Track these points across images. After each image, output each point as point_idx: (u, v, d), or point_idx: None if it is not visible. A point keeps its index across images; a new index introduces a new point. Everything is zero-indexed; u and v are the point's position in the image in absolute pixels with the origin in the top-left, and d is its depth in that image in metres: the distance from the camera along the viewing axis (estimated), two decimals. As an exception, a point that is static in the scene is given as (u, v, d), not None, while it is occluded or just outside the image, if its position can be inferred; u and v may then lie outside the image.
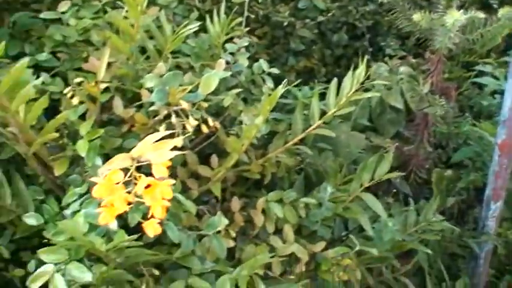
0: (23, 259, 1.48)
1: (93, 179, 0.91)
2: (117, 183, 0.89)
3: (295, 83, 1.59)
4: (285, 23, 2.07)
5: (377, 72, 1.96)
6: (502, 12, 1.71)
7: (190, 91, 1.23)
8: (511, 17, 1.72)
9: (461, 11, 1.62)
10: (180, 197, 1.16)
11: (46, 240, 1.12)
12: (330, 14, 2.18)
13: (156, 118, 1.20)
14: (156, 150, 0.91)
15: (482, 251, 1.74)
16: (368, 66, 2.08)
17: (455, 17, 1.58)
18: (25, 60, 1.06)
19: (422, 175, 1.90)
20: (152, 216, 0.93)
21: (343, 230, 1.55)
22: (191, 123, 1.17)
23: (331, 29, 2.27)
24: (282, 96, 1.67)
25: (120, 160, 0.90)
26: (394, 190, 1.81)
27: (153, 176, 0.90)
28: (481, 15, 1.68)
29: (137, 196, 0.92)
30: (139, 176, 0.90)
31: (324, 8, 2.21)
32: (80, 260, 1.04)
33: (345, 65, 2.27)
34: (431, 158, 1.96)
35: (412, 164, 1.89)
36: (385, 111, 1.99)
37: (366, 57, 2.25)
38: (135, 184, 0.90)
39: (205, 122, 1.21)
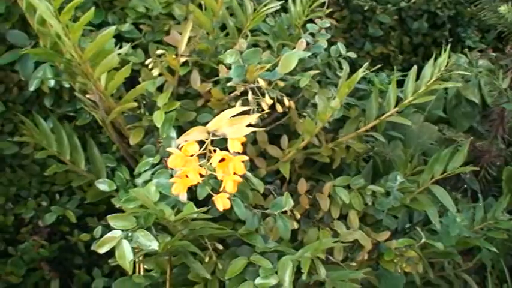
0: (88, 225, 1.55)
1: (168, 149, 0.94)
2: (192, 155, 0.92)
3: (372, 69, 1.57)
4: (365, 8, 2.04)
5: (456, 64, 1.91)
6: None
7: (268, 70, 1.24)
8: None
9: (552, 5, 1.56)
10: (249, 174, 1.18)
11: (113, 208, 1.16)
12: (411, 1, 2.13)
13: (232, 94, 1.21)
14: (232, 126, 0.93)
15: (547, 254, 1.69)
16: (448, 57, 2.05)
17: (545, 12, 1.52)
18: (111, 29, 1.09)
19: (493, 172, 1.85)
20: (222, 191, 0.95)
21: (407, 222, 1.54)
22: (267, 101, 1.18)
23: (412, 16, 2.23)
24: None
25: (197, 132, 0.93)
26: (464, 185, 1.76)
27: (227, 151, 0.92)
28: None
29: (209, 169, 0.94)
30: (214, 150, 0.92)
31: (406, -7, 2.16)
32: (148, 229, 1.07)
33: (423, 54, 2.23)
34: (504, 155, 1.91)
35: (483, 160, 1.85)
36: (460, 104, 1.95)
37: (448, 46, 2.21)
38: (210, 157, 0.92)
39: (281, 101, 1.21)
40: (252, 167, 1.31)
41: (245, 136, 1.29)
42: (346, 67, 1.27)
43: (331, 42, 1.56)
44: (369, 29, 2.11)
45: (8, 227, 1.63)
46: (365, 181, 1.37)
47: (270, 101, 1.18)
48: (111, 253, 1.15)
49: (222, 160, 0.92)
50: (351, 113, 1.44)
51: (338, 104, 1.18)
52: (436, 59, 1.33)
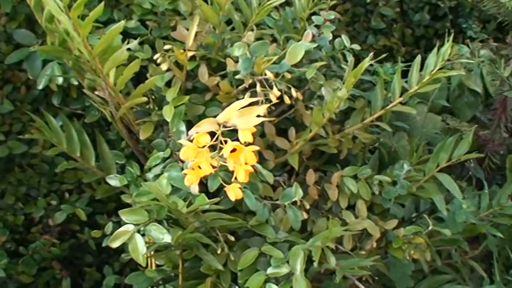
0: (98, 223, 1.56)
1: (180, 141, 0.96)
2: (204, 147, 0.93)
3: (376, 60, 1.58)
4: (368, 0, 2.05)
5: (458, 54, 1.93)
6: None
7: (275, 62, 1.25)
8: None
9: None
10: (258, 166, 1.19)
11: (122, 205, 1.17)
12: (413, -7, 2.15)
13: (240, 87, 1.23)
14: (242, 116, 0.94)
15: (552, 240, 1.70)
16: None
17: (546, 0, 1.53)
18: (120, 24, 1.10)
19: (496, 161, 1.87)
20: (234, 181, 0.97)
21: (414, 211, 1.55)
22: (275, 93, 1.19)
23: (413, 8, 2.24)
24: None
25: (207, 124, 0.94)
26: (468, 174, 1.78)
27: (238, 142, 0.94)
28: None
29: (221, 160, 0.95)
30: (225, 141, 0.93)
31: (408, -14, 2.18)
32: (160, 222, 1.08)
33: (425, 46, 2.24)
34: (507, 144, 1.92)
35: (487, 148, 1.86)
36: (463, 94, 1.96)
37: (450, 36, 2.22)
38: (221, 148, 0.94)
39: (288, 93, 1.23)
40: (261, 160, 1.33)
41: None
42: (351, 58, 1.28)
43: (334, 36, 1.58)
44: (371, 21, 2.12)
45: (19, 227, 1.65)
46: (372, 171, 1.39)
47: (278, 93, 1.20)
48: (121, 250, 1.17)
49: (233, 151, 0.94)
50: (356, 105, 1.46)
51: (345, 94, 1.19)
52: (439, 49, 1.34)
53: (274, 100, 1.18)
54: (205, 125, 0.94)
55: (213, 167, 0.95)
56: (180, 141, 0.96)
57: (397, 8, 2.17)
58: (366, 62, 1.17)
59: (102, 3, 1.05)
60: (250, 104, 0.99)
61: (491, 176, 1.91)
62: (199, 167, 0.93)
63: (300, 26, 1.48)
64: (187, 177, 0.95)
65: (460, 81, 1.91)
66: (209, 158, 0.93)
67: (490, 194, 1.58)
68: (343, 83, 1.23)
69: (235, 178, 0.95)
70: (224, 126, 0.96)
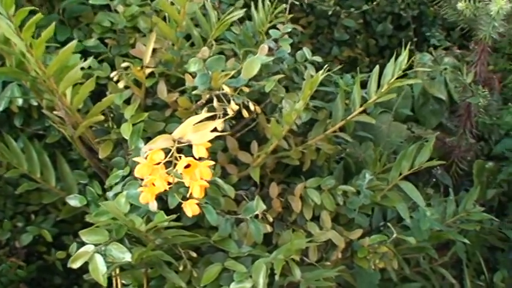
0: (65, 243, 1.54)
1: (135, 159, 0.95)
2: (158, 163, 0.93)
3: (335, 70, 1.59)
4: (330, 12, 2.07)
5: (420, 62, 1.95)
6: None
7: (233, 76, 1.25)
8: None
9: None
10: (220, 181, 1.19)
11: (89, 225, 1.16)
12: (374, 3, 2.17)
13: (199, 102, 1.23)
14: (197, 132, 0.94)
15: (521, 243, 1.72)
16: (412, 56, 2.09)
17: (500, 5, 1.56)
18: (73, 43, 1.10)
19: (464, 167, 1.89)
20: (191, 197, 0.96)
21: (381, 220, 1.56)
22: (233, 107, 1.19)
23: (376, 18, 2.27)
24: (324, 84, 1.69)
25: (162, 140, 0.94)
26: (434, 180, 1.79)
27: (193, 157, 0.93)
28: (527, 4, 1.65)
29: (176, 177, 0.95)
30: (180, 157, 0.93)
31: (369, -3, 2.20)
32: (120, 241, 1.07)
33: (389, 56, 2.25)
34: (473, 149, 1.94)
35: (453, 155, 1.88)
36: (428, 102, 1.98)
37: (410, 46, 2.24)
38: (176, 164, 0.93)
39: (247, 107, 1.23)
40: (224, 174, 1.33)
41: (215, 144, 1.32)
42: (309, 70, 1.29)
43: (299, 48, 1.59)
44: (335, 33, 2.14)
45: (-15, 250, 1.62)
46: (336, 182, 1.39)
47: (236, 107, 1.20)
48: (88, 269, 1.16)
49: (189, 166, 0.94)
50: (319, 116, 1.47)
51: (302, 106, 1.20)
52: (396, 59, 1.36)
53: (232, 115, 1.18)
54: (160, 142, 0.94)
55: (169, 183, 0.95)
56: (134, 159, 0.95)
57: (360, 19, 2.20)
58: (321, 75, 1.18)
59: (53, 24, 1.05)
60: (210, 119, 0.99)
61: (460, 182, 1.92)
62: (154, 184, 0.93)
63: (259, 39, 1.49)
64: (142, 195, 0.94)
65: (424, 89, 1.93)
66: (164, 175, 0.93)
67: (457, 200, 1.59)
68: (301, 94, 1.23)
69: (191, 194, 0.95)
70: (179, 142, 0.96)
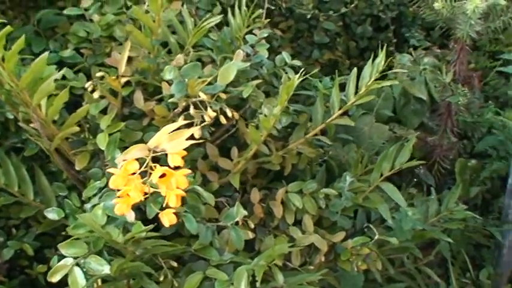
0: (47, 256, 1.53)
1: (109, 170, 0.94)
2: (133, 174, 0.92)
3: (314, 73, 1.59)
4: (309, 16, 2.07)
5: (400, 63, 1.95)
6: (525, -2, 1.69)
7: (210, 83, 1.25)
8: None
9: (481, -3, 1.60)
10: (199, 188, 1.18)
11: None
12: (353, 6, 2.17)
13: (176, 110, 1.22)
14: (172, 140, 0.93)
15: (505, 240, 1.72)
16: (392, 57, 2.09)
17: (476, 4, 1.56)
18: (45, 55, 1.09)
19: (446, 165, 1.89)
20: (168, 206, 0.95)
21: (365, 221, 1.55)
22: (210, 114, 1.19)
23: (356, 21, 2.27)
24: (305, 88, 1.69)
25: (137, 150, 0.93)
26: (416, 180, 1.79)
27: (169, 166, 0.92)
28: (502, 1, 1.66)
29: (153, 186, 0.94)
30: (155, 166, 0.92)
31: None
32: (100, 253, 1.06)
33: (370, 57, 2.26)
34: (456, 148, 1.94)
35: (435, 154, 1.88)
36: (409, 102, 1.98)
37: (390, 48, 2.25)
38: (151, 174, 0.92)
39: (224, 113, 1.22)
40: (205, 182, 1.32)
41: (195, 151, 1.32)
42: (285, 75, 1.29)
43: (279, 52, 1.59)
44: (315, 36, 2.14)
45: (-35, 266, 1.60)
46: (319, 185, 1.39)
47: (213, 114, 1.19)
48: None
49: (165, 175, 0.93)
50: (300, 120, 1.46)
51: (279, 111, 1.19)
52: (374, 61, 1.36)
53: (209, 121, 1.17)
54: (134, 152, 0.93)
55: (145, 194, 0.94)
56: (108, 170, 0.94)
57: (339, 22, 2.19)
58: (297, 79, 1.17)
59: (23, 36, 1.04)
60: (187, 126, 0.99)
61: (443, 181, 1.93)
62: (129, 195, 0.92)
63: (237, 45, 1.48)
64: (117, 206, 0.93)
65: (405, 89, 1.93)
66: (140, 185, 0.92)
67: (440, 199, 1.59)
68: (278, 99, 1.23)
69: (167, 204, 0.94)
70: (155, 152, 0.95)
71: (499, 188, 1.89)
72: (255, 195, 1.32)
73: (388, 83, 1.33)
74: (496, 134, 1.91)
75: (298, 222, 1.34)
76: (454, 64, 1.82)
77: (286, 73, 1.50)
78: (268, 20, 1.94)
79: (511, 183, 1.67)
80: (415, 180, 1.82)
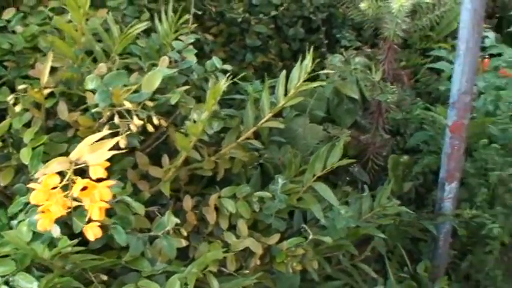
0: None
1: (31, 185, 0.91)
2: (54, 188, 0.89)
3: (241, 76, 1.59)
4: (240, 20, 2.08)
5: (331, 64, 1.98)
6: (447, -4, 1.74)
7: (136, 91, 1.23)
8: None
9: (408, -4, 1.64)
10: (128, 199, 1.16)
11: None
12: (283, 8, 2.19)
13: (101, 120, 1.20)
14: (94, 152, 0.92)
15: (440, 232, 1.76)
16: (324, 58, 2.12)
17: (401, 3, 1.60)
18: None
19: (380, 162, 1.92)
20: (92, 219, 0.94)
21: (302, 221, 1.56)
22: (135, 123, 1.17)
23: (287, 23, 2.28)
24: (239, 92, 1.69)
25: (57, 164, 0.91)
26: (351, 178, 1.82)
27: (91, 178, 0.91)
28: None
29: (76, 200, 0.92)
30: (76, 179, 0.90)
31: (278, 2, 2.21)
32: (28, 270, 1.04)
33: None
34: (389, 145, 1.98)
35: (369, 152, 1.91)
36: (342, 102, 2.01)
37: (322, 49, 2.28)
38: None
39: (152, 121, 1.21)
40: (136, 191, 1.30)
41: (125, 160, 1.29)
42: (212, 80, 1.29)
43: (210, 57, 1.58)
44: (247, 40, 2.15)
45: None
46: (253, 188, 1.39)
47: (139, 123, 1.18)
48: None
49: (86, 188, 0.91)
50: (232, 124, 1.46)
51: (207, 117, 1.19)
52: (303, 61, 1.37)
53: (136, 130, 1.16)
54: (55, 165, 0.91)
55: (69, 207, 0.92)
56: (29, 185, 0.92)
57: (271, 25, 2.21)
58: (223, 84, 1.18)
59: None
60: (108, 137, 0.97)
61: (377, 177, 1.96)
62: (51, 210, 0.89)
63: (165, 52, 1.47)
64: (39, 222, 0.91)
65: (337, 89, 1.96)
66: (62, 199, 0.90)
67: (374, 195, 1.62)
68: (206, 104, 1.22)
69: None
70: (76, 164, 0.93)
71: (432, 182, 1.93)
72: (188, 202, 1.31)
73: (315, 84, 1.34)
74: (427, 130, 1.96)
75: (233, 227, 1.34)
76: (383, 63, 1.86)
77: (217, 78, 1.51)
78: (199, 25, 1.95)
79: (442, 176, 1.71)
80: (350, 178, 1.84)
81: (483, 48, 2.41)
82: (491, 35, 2.41)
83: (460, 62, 1.56)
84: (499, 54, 2.44)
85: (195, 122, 1.26)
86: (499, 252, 1.91)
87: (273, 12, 2.16)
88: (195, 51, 1.42)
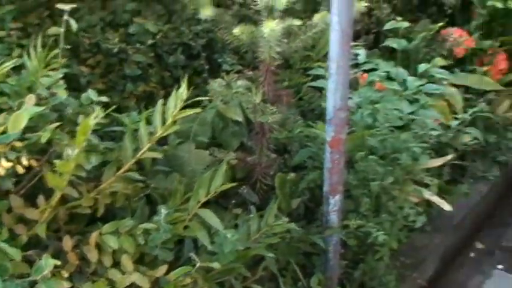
0: None
1: None
2: None
3: (113, 108, 1.56)
4: (116, 50, 2.05)
5: (214, 89, 1.99)
6: (315, 18, 1.80)
7: (4, 132, 1.18)
8: (325, 21, 1.81)
9: (277, 20, 1.68)
10: (3, 245, 1.11)
11: None
12: (161, 36, 2.19)
13: (-35, 165, 1.14)
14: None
15: (329, 245, 1.80)
16: (206, 84, 2.13)
17: (271, 27, 1.64)
18: None
19: (268, 182, 1.95)
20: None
21: (193, 249, 1.55)
22: (4, 165, 1.12)
23: (167, 50, 2.28)
24: (118, 124, 1.67)
25: None
26: (240, 200, 1.83)
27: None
28: (297, 22, 1.76)
29: None
30: None
31: (155, 30, 2.21)
32: None
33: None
34: (276, 164, 2.01)
35: (256, 172, 1.93)
36: (228, 126, 2.03)
37: (204, 75, 2.29)
38: None
39: (20, 162, 1.16)
40: (13, 236, 1.24)
41: (-1, 204, 1.24)
42: (82, 116, 1.26)
43: (87, 90, 1.55)
44: (126, 70, 2.12)
45: None
46: (139, 221, 1.37)
47: (8, 165, 1.13)
48: None
49: None
50: (112, 157, 1.44)
51: (77, 153, 1.16)
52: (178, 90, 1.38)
53: (3, 173, 1.11)
54: None
55: None
56: None
57: (151, 53, 2.19)
58: (92, 119, 1.16)
59: None
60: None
61: (267, 197, 1.98)
62: None
63: (35, 88, 1.42)
64: None
65: (220, 113, 1.98)
66: None
67: (262, 215, 1.63)
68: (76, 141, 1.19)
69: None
70: None
71: (319, 197, 1.98)
72: (67, 242, 1.26)
73: (193, 110, 1.35)
74: (310, 146, 2.01)
75: (118, 263, 1.30)
76: (263, 85, 1.89)
77: (93, 111, 1.48)
78: (75, 57, 1.91)
79: (326, 190, 1.75)
80: (240, 200, 1.85)
81: (357, 65, 2.52)
82: (363, 51, 2.52)
83: (332, 80, 1.62)
84: (374, 69, 2.57)
85: (66, 159, 1.23)
86: (390, 258, 1.99)
87: (151, 41, 2.15)
88: (65, 86, 1.38)
